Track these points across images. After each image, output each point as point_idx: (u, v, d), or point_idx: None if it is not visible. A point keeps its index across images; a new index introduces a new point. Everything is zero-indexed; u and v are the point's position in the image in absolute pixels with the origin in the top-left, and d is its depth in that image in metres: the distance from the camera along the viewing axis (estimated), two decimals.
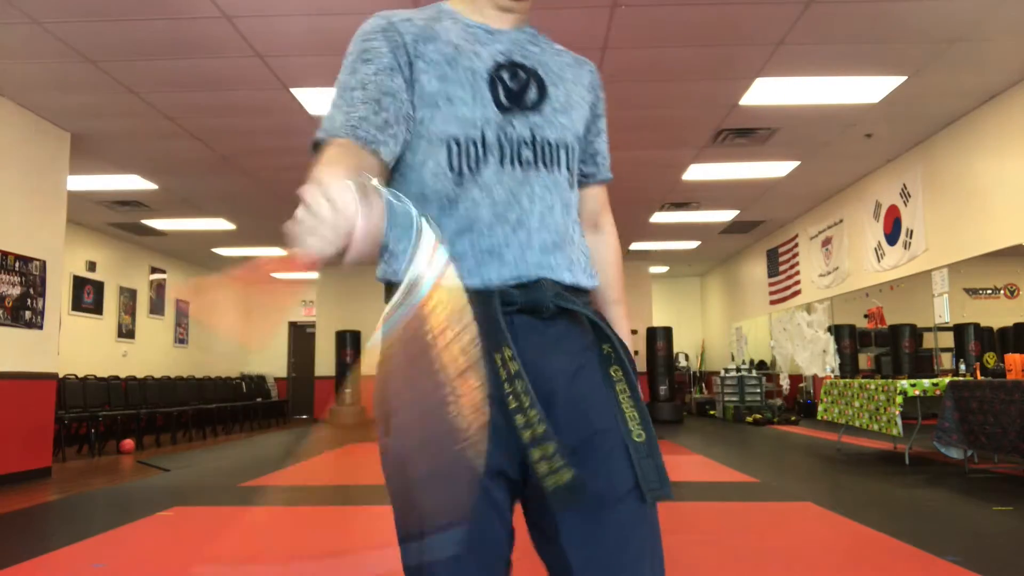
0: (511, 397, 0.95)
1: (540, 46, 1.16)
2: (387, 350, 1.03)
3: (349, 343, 12.89)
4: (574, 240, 1.11)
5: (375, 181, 0.80)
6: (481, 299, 0.99)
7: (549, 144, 1.08)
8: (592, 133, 1.22)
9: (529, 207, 1.05)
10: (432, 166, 1.05)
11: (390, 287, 1.05)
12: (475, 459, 0.91)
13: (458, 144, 1.04)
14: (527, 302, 1.02)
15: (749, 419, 10.99)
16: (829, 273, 9.51)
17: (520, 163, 1.05)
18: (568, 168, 1.11)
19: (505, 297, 1.01)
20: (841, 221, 9.08)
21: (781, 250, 11.17)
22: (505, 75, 1.08)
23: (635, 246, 12.02)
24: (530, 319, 1.03)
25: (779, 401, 11.47)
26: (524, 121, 1.07)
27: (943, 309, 7.02)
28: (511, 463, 1.01)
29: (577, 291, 1.09)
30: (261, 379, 14.49)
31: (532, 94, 1.09)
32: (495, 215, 1.03)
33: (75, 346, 9.70)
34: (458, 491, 0.96)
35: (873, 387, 6.48)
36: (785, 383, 11.51)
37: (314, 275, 14.15)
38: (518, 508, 1.08)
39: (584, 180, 1.22)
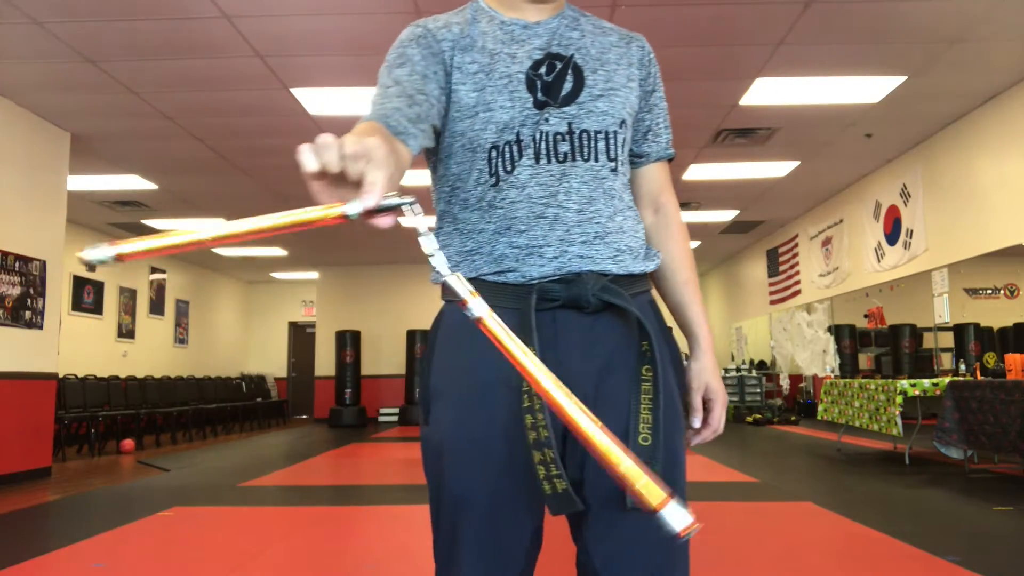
0: (525, 396, 0.96)
1: (581, 30, 1.14)
2: (428, 344, 1.08)
3: (349, 343, 12.88)
4: (622, 229, 1.08)
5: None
6: (519, 295, 1.01)
7: (587, 134, 1.07)
8: (643, 110, 1.17)
9: (566, 202, 1.04)
10: (476, 175, 1.06)
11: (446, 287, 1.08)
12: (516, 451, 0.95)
13: (497, 149, 1.05)
14: (569, 297, 1.02)
15: (749, 419, 10.99)
16: (829, 273, 9.51)
17: (556, 158, 1.05)
18: (610, 156, 1.08)
19: (546, 293, 1.02)
20: (841, 221, 9.08)
21: (781, 250, 11.16)
22: (542, 70, 1.07)
23: None
24: (574, 314, 1.03)
25: (779, 401, 11.46)
26: (561, 115, 1.06)
27: (943, 309, 7.02)
28: None
29: (632, 278, 1.08)
30: (261, 379, 14.50)
31: (568, 84, 1.08)
32: (532, 213, 1.03)
33: (75, 346, 9.70)
34: (488, 479, 0.99)
35: (873, 387, 6.48)
36: (785, 383, 11.50)
37: (314, 275, 14.15)
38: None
39: (639, 161, 1.18)
